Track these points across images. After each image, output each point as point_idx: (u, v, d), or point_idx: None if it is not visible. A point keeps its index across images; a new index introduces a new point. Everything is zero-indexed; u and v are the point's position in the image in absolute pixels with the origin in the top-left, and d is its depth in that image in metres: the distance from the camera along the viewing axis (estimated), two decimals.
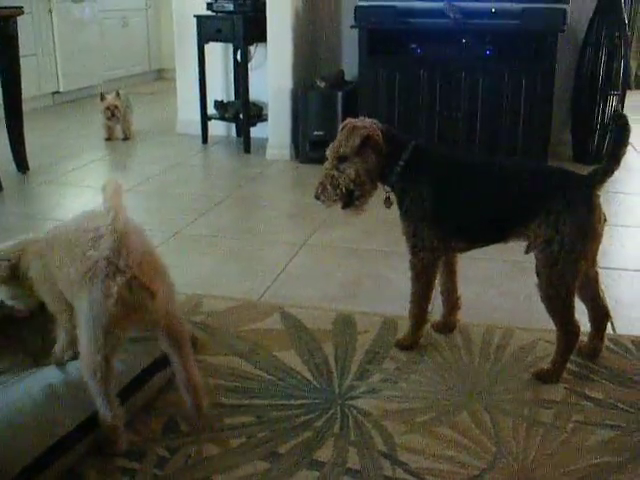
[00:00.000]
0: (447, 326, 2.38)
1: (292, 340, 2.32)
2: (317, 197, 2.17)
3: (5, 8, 4.38)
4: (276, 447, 1.79)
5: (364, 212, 2.21)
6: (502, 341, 2.30)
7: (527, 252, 2.07)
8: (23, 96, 4.54)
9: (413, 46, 4.38)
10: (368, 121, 2.15)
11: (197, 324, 2.40)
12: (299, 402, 1.99)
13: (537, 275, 2.02)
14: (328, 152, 2.16)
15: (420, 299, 2.22)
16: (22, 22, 4.41)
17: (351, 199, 2.15)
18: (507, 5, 4.15)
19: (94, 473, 1.71)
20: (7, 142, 4.48)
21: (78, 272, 1.59)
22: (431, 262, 2.18)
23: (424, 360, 2.20)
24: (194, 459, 1.76)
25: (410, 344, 2.26)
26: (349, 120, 2.17)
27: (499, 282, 2.80)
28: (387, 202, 2.23)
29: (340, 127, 2.17)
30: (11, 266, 1.90)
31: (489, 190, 2.10)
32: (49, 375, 1.85)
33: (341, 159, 2.13)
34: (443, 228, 2.13)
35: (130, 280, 1.56)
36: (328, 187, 2.14)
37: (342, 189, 2.13)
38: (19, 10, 4.38)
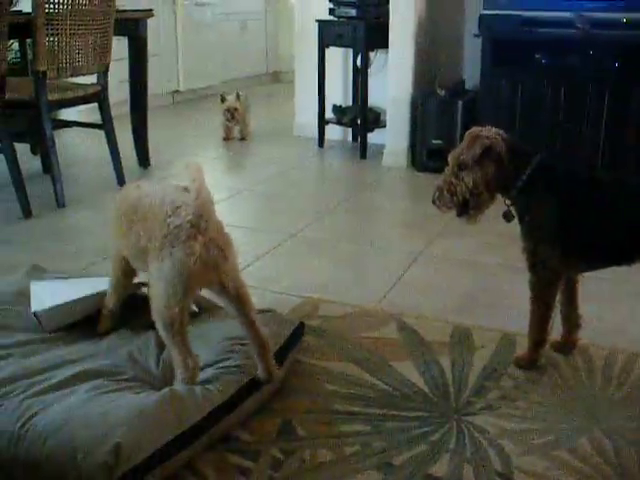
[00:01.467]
0: (566, 346, 2.31)
1: (408, 351, 2.31)
2: (433, 202, 2.15)
3: (137, 11, 4.55)
4: (390, 458, 1.79)
5: (478, 222, 2.17)
6: (626, 366, 2.22)
7: None
8: None
9: (538, 56, 4.28)
10: (493, 131, 2.11)
11: (313, 328, 2.42)
12: (415, 414, 1.97)
13: None
14: (449, 158, 2.14)
15: (539, 319, 2.17)
16: (149, 23, 4.57)
17: (466, 208, 2.12)
18: (638, 16, 4.01)
19: (210, 469, 1.74)
20: (131, 138, 4.65)
21: (156, 238, 1.78)
22: (551, 282, 2.12)
23: (543, 380, 2.15)
24: (309, 463, 1.77)
25: (528, 363, 2.21)
26: (474, 128, 2.14)
27: (623, 303, 2.71)
28: (507, 216, 2.17)
29: (465, 135, 2.15)
30: None
31: (616, 209, 2.02)
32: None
33: (461, 167, 2.10)
34: (565, 248, 2.07)
35: (208, 241, 1.76)
36: (445, 193, 2.12)
37: (459, 197, 2.10)
38: (150, 13, 4.55)
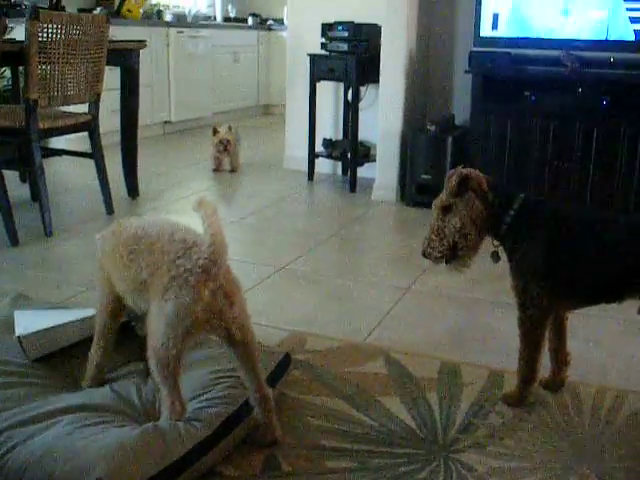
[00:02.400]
0: (555, 384, 2.30)
1: (396, 386, 2.29)
2: (424, 253, 2.14)
3: (130, 42, 4.57)
4: None
5: (468, 268, 2.16)
6: (614, 404, 2.21)
7: None
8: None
9: (527, 94, 4.31)
10: (474, 171, 2.12)
11: (300, 362, 2.40)
12: (402, 451, 1.95)
13: None
14: (433, 207, 2.14)
15: (529, 357, 2.15)
16: (141, 54, 4.58)
17: (455, 252, 2.11)
18: (626, 55, 4.06)
19: None
20: (121, 168, 4.64)
21: (162, 277, 1.73)
22: (540, 320, 2.10)
23: (531, 418, 2.13)
24: None
25: (517, 401, 2.19)
26: (452, 170, 2.16)
27: (611, 341, 2.70)
28: (494, 257, 2.17)
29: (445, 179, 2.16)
30: None
31: (605, 247, 2.02)
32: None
33: (445, 210, 2.10)
34: (554, 286, 2.06)
35: (217, 288, 1.73)
36: (434, 238, 2.11)
37: (448, 239, 2.09)
38: (143, 44, 4.57)
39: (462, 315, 2.93)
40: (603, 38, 4.12)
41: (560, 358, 2.27)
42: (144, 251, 1.82)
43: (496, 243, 2.14)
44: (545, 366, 2.25)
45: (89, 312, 2.21)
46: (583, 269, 2.04)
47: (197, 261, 1.70)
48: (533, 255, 2.05)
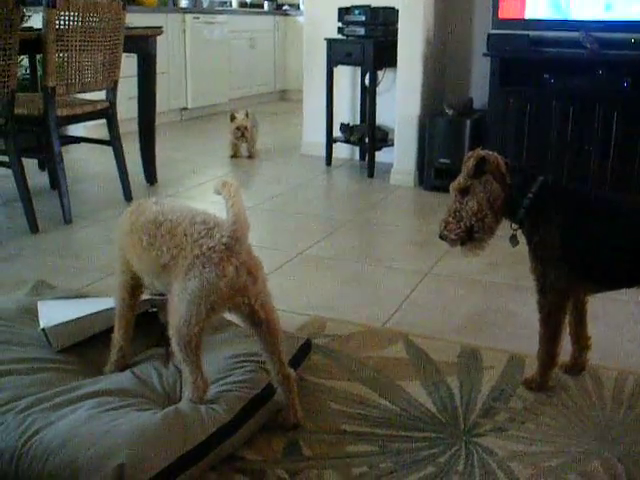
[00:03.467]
0: (576, 367, 2.28)
1: (416, 370, 2.29)
2: (441, 236, 2.13)
3: (147, 28, 4.57)
4: (398, 479, 1.76)
5: (483, 250, 2.15)
6: (636, 388, 2.19)
7: None
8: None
9: (546, 76, 4.27)
10: (492, 153, 2.10)
11: (320, 347, 2.40)
12: (423, 435, 1.95)
13: None
14: (450, 189, 2.13)
15: (549, 341, 2.14)
16: (158, 41, 4.59)
17: (471, 234, 2.10)
18: None
19: None
20: (139, 155, 4.65)
21: (185, 257, 1.76)
22: (560, 303, 2.09)
23: (552, 402, 2.12)
24: None
25: (539, 386, 2.18)
26: (470, 152, 2.14)
27: (632, 325, 2.68)
28: (513, 240, 2.15)
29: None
30: None
31: (624, 231, 1.99)
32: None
33: (463, 192, 2.09)
34: (573, 270, 2.04)
35: (239, 265, 1.75)
36: (451, 221, 2.10)
37: (465, 222, 2.08)
38: (159, 30, 4.56)
39: (482, 299, 2.92)
40: (624, 19, 4.06)
41: (581, 342, 2.26)
42: (165, 235, 1.83)
43: (515, 226, 2.13)
44: (566, 350, 2.24)
45: (111, 302, 2.22)
46: (601, 253, 2.02)
47: (220, 239, 1.73)
48: (551, 239, 2.03)
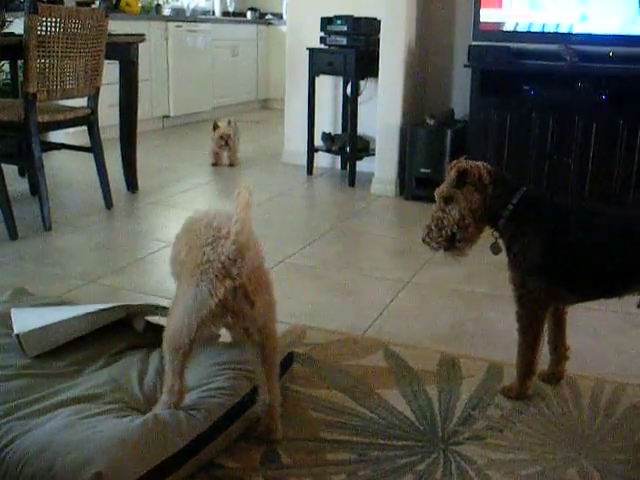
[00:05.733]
0: (554, 376, 2.30)
1: (396, 379, 2.30)
2: (423, 240, 2.16)
3: (129, 35, 4.56)
4: None
5: (465, 257, 2.17)
6: (613, 397, 2.21)
7: None
8: None
9: (526, 88, 4.31)
10: (476, 162, 2.12)
11: (300, 356, 2.40)
12: (401, 443, 1.96)
13: None
14: (435, 195, 2.15)
15: (527, 351, 2.16)
16: (140, 48, 4.58)
17: (454, 242, 2.12)
18: (627, 49, 4.05)
19: None
20: (120, 162, 4.64)
21: (192, 261, 1.73)
22: (538, 313, 2.11)
23: (530, 410, 2.13)
24: None
25: (517, 395, 2.20)
26: (456, 161, 2.16)
27: (610, 334, 2.70)
28: (494, 249, 2.17)
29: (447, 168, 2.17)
30: None
31: (603, 242, 2.01)
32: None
33: (447, 200, 2.11)
34: (552, 280, 2.06)
35: (237, 287, 1.70)
36: (433, 228, 2.13)
37: (447, 230, 2.10)
38: (141, 37, 4.56)
39: (462, 308, 2.93)
40: (604, 32, 4.11)
41: (559, 352, 2.28)
42: (188, 235, 1.84)
43: (496, 235, 2.15)
44: (545, 358, 2.26)
45: (88, 308, 2.21)
46: (580, 264, 2.04)
47: (220, 256, 1.68)
48: (531, 249, 2.05)
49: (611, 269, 2.01)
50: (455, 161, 2.15)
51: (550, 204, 2.10)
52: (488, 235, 2.17)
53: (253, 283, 1.73)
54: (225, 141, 5.57)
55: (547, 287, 2.07)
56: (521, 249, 2.07)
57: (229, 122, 5.66)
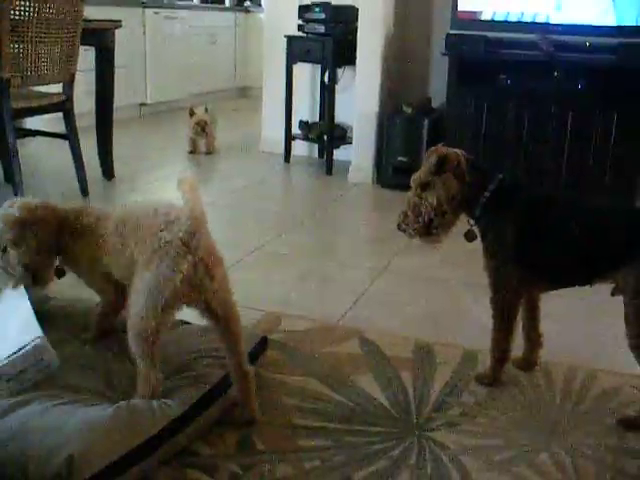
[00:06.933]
0: (528, 363, 2.32)
1: (370, 366, 2.31)
2: (399, 226, 2.16)
3: (105, 21, 4.52)
4: (351, 473, 1.77)
5: (440, 243, 2.19)
6: (585, 383, 2.24)
7: (613, 295, 2.01)
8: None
9: (503, 77, 4.33)
10: (453, 150, 2.13)
11: (275, 343, 2.41)
12: (375, 429, 1.97)
13: (625, 323, 1.94)
14: (411, 181, 2.15)
15: (501, 337, 2.17)
16: (117, 35, 4.55)
17: (430, 229, 2.13)
18: (603, 40, 4.07)
19: None
20: (96, 149, 4.61)
21: (146, 250, 1.75)
22: (512, 301, 2.13)
23: (503, 396, 2.15)
24: (267, 478, 1.75)
25: (490, 381, 2.22)
26: (433, 147, 2.16)
27: (582, 322, 2.73)
28: (469, 235, 2.17)
29: (425, 154, 2.17)
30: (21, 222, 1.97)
31: (576, 232, 2.02)
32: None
33: (423, 187, 2.12)
34: (526, 268, 2.08)
35: (197, 261, 1.73)
36: (409, 214, 2.13)
37: (424, 217, 2.11)
38: (117, 23, 4.52)
39: (437, 296, 2.95)
40: (580, 22, 4.13)
41: (533, 339, 2.30)
42: (132, 232, 1.84)
43: (472, 222, 2.16)
44: (518, 346, 2.27)
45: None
46: (553, 252, 2.06)
47: (177, 233, 1.71)
48: (505, 237, 2.06)
49: (583, 257, 2.02)
50: (434, 147, 2.15)
51: (525, 193, 2.11)
52: (463, 222, 2.17)
53: (211, 257, 1.78)
54: (202, 127, 5.54)
55: (521, 274, 2.08)
56: (496, 237, 2.09)
57: (206, 109, 5.63)
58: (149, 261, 1.73)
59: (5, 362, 1.84)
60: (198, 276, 1.74)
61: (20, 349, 1.87)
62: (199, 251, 1.73)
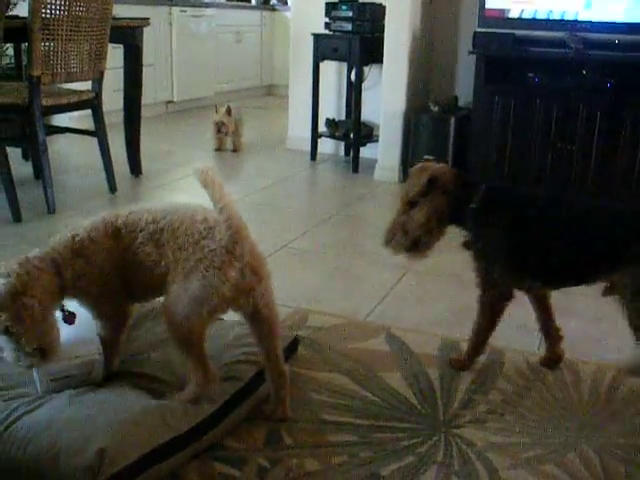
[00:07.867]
0: (552, 359, 2.32)
1: (397, 362, 2.31)
2: (386, 244, 2.17)
3: (134, 19, 4.55)
4: (378, 469, 1.78)
5: (427, 257, 2.20)
6: (614, 382, 2.23)
7: (605, 295, 2.01)
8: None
9: (530, 75, 4.30)
10: (438, 165, 2.15)
11: (302, 339, 2.42)
12: (403, 425, 1.97)
13: (629, 323, 1.95)
14: (399, 199, 2.17)
15: (482, 331, 2.22)
16: (145, 33, 4.58)
17: (417, 245, 2.14)
18: (632, 37, 4.04)
19: (195, 477, 1.72)
20: (124, 146, 4.65)
21: (189, 259, 1.71)
22: (501, 301, 2.15)
23: (531, 394, 2.15)
24: (295, 472, 1.76)
25: (462, 367, 2.26)
26: (418, 165, 2.17)
27: (610, 319, 2.70)
28: (467, 245, 2.19)
29: (410, 172, 2.19)
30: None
31: (566, 234, 2.03)
32: None
33: (411, 204, 2.12)
34: (516, 270, 2.10)
35: (243, 267, 1.72)
36: (398, 233, 2.13)
37: (412, 235, 2.12)
38: (146, 21, 4.55)
39: (462, 293, 2.94)
40: (610, 20, 4.10)
41: (552, 334, 2.30)
42: (169, 238, 1.79)
43: (465, 234, 2.17)
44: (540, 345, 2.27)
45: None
46: (543, 256, 2.06)
47: (220, 241, 1.69)
48: (494, 241, 2.08)
49: (574, 257, 2.02)
50: (419, 165, 2.17)
51: (511, 197, 2.13)
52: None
53: (255, 258, 1.77)
54: (219, 128, 5.56)
55: (510, 276, 2.10)
56: (485, 244, 2.11)
57: (228, 108, 5.63)
58: (192, 270, 1.70)
59: (60, 364, 1.86)
60: (246, 281, 1.73)
61: (78, 356, 1.89)
62: (244, 256, 1.72)
